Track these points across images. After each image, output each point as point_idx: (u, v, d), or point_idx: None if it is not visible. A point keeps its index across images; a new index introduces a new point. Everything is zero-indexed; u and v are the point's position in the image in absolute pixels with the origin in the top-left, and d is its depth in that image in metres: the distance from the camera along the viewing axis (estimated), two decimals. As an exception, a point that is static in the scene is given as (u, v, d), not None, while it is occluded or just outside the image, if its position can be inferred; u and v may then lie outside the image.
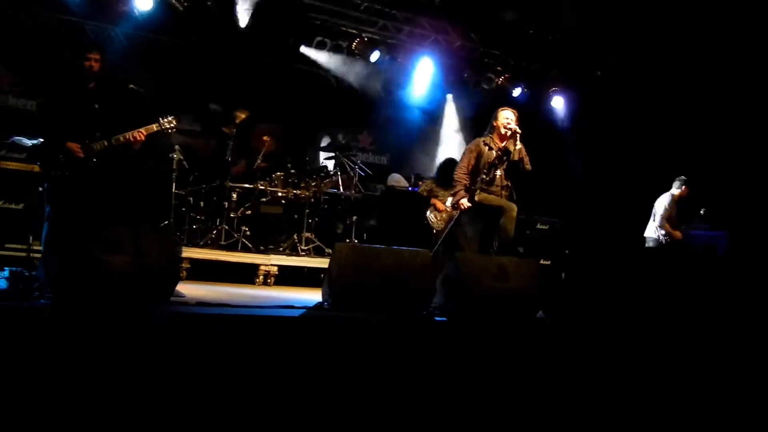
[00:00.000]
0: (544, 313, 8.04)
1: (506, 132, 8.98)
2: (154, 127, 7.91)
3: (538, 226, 13.11)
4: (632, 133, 13.83)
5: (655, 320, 8.21)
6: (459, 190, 9.05)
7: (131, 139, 7.69)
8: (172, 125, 8.06)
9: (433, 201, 10.71)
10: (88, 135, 7.50)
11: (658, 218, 11.86)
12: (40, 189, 8.70)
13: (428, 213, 10.70)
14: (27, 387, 4.45)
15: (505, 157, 9.00)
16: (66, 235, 6.05)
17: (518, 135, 8.91)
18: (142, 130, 7.79)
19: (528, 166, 8.98)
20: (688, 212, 12.28)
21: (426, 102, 14.89)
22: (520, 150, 8.93)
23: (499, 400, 6.09)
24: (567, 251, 13.26)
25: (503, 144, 9.05)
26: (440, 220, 10.47)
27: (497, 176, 9.04)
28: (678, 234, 11.82)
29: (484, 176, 9.00)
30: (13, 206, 9.32)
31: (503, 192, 9.04)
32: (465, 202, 8.95)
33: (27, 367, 4.59)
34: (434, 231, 10.57)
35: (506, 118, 9.11)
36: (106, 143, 7.51)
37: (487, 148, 9.06)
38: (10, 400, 4.32)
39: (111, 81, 7.91)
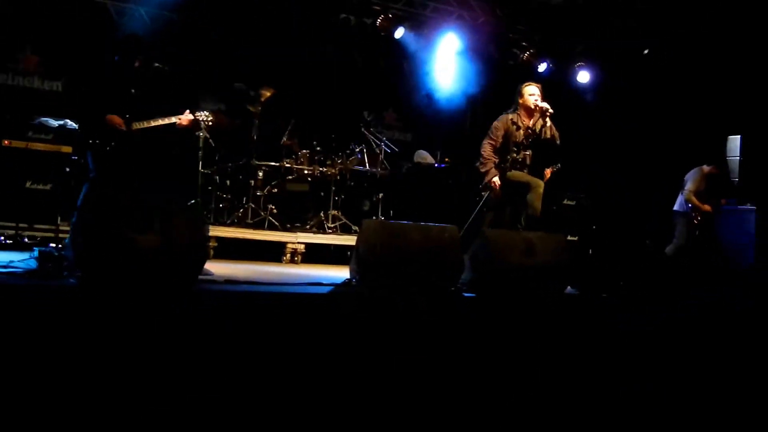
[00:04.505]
0: (572, 289, 8.03)
1: (535, 108, 8.96)
2: (190, 116, 8.02)
3: (565, 201, 13.03)
4: (659, 107, 13.69)
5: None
6: (489, 169, 9.01)
7: (166, 124, 7.84)
8: (210, 119, 8.21)
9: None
10: (123, 116, 7.65)
11: (685, 191, 11.79)
12: (68, 169, 8.76)
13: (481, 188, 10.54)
14: (54, 365, 4.47)
15: (532, 137, 8.97)
16: (95, 213, 6.07)
17: (549, 113, 8.86)
18: (183, 117, 7.90)
19: (558, 141, 8.94)
20: (720, 190, 12.13)
21: (451, 77, 14.79)
22: (550, 127, 8.89)
23: (526, 375, 6.07)
24: (594, 227, 13.19)
25: (531, 122, 9.02)
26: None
27: (527, 156, 9.03)
28: (707, 207, 11.71)
29: (515, 155, 8.99)
30: (41, 187, 9.37)
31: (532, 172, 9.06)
32: (497, 180, 8.92)
33: (55, 345, 4.61)
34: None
35: (531, 94, 9.08)
36: (144, 124, 7.64)
37: (515, 127, 9.03)
38: (36, 378, 4.35)
39: (147, 65, 8.05)
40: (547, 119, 8.88)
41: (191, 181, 10.07)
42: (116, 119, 7.58)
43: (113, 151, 7.58)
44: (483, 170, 9.15)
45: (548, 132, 8.90)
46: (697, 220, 11.74)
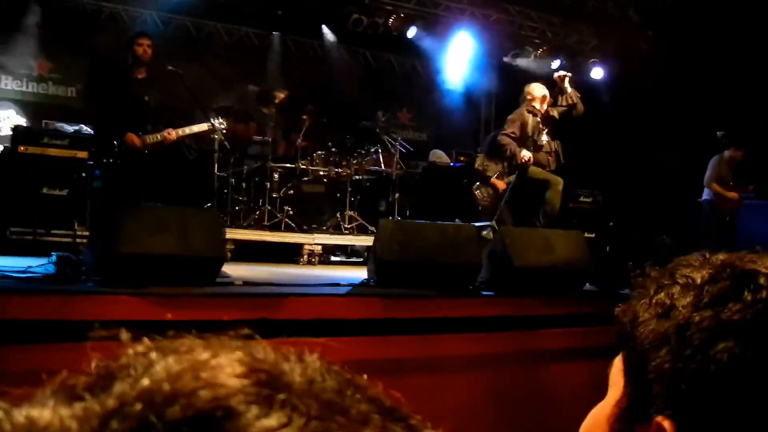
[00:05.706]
0: (591, 285, 7.99)
1: (546, 100, 9.13)
2: (206, 126, 8.11)
3: (582, 199, 12.99)
4: (677, 102, 13.61)
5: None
6: (514, 147, 9.05)
7: (180, 135, 7.94)
8: (223, 126, 8.26)
9: (493, 181, 10.54)
10: (140, 127, 7.73)
11: (705, 179, 11.67)
12: (84, 175, 8.79)
13: (474, 188, 10.56)
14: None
15: (550, 121, 9.06)
16: (113, 218, 6.08)
17: (567, 77, 9.02)
18: (195, 128, 7.99)
19: (581, 107, 9.07)
20: (748, 175, 11.95)
21: (464, 76, 14.78)
22: (573, 93, 9.02)
23: (546, 371, 6.04)
24: (611, 223, 13.14)
25: (546, 109, 9.13)
26: (487, 197, 10.34)
27: (544, 142, 9.06)
28: (732, 194, 11.51)
29: (534, 139, 9.03)
30: (57, 192, 9.37)
31: (550, 158, 9.07)
32: (526, 153, 8.95)
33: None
34: (479, 207, 10.44)
35: (539, 88, 9.23)
36: (159, 137, 7.71)
37: (531, 116, 9.08)
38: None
39: (158, 68, 8.14)
40: (568, 86, 9.07)
41: (207, 185, 10.09)
42: (134, 140, 7.68)
43: (125, 168, 7.69)
44: (508, 155, 9.17)
45: (573, 98, 9.09)
46: (727, 209, 11.56)
